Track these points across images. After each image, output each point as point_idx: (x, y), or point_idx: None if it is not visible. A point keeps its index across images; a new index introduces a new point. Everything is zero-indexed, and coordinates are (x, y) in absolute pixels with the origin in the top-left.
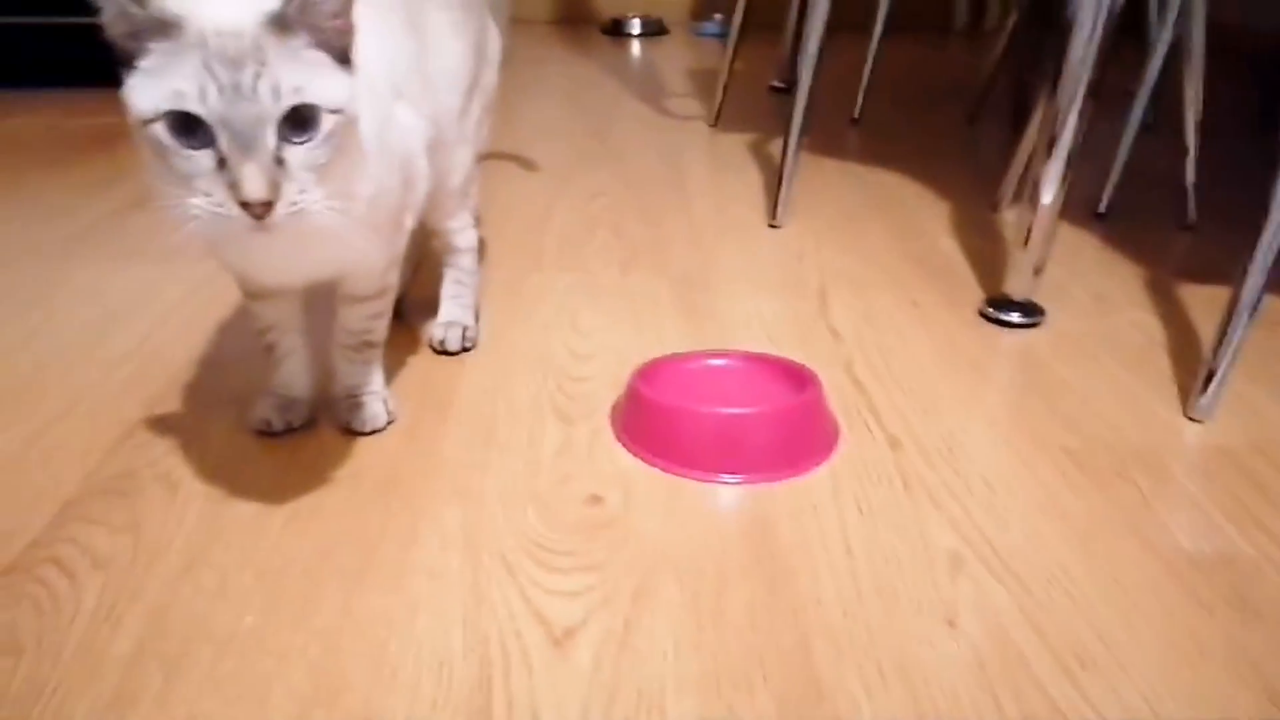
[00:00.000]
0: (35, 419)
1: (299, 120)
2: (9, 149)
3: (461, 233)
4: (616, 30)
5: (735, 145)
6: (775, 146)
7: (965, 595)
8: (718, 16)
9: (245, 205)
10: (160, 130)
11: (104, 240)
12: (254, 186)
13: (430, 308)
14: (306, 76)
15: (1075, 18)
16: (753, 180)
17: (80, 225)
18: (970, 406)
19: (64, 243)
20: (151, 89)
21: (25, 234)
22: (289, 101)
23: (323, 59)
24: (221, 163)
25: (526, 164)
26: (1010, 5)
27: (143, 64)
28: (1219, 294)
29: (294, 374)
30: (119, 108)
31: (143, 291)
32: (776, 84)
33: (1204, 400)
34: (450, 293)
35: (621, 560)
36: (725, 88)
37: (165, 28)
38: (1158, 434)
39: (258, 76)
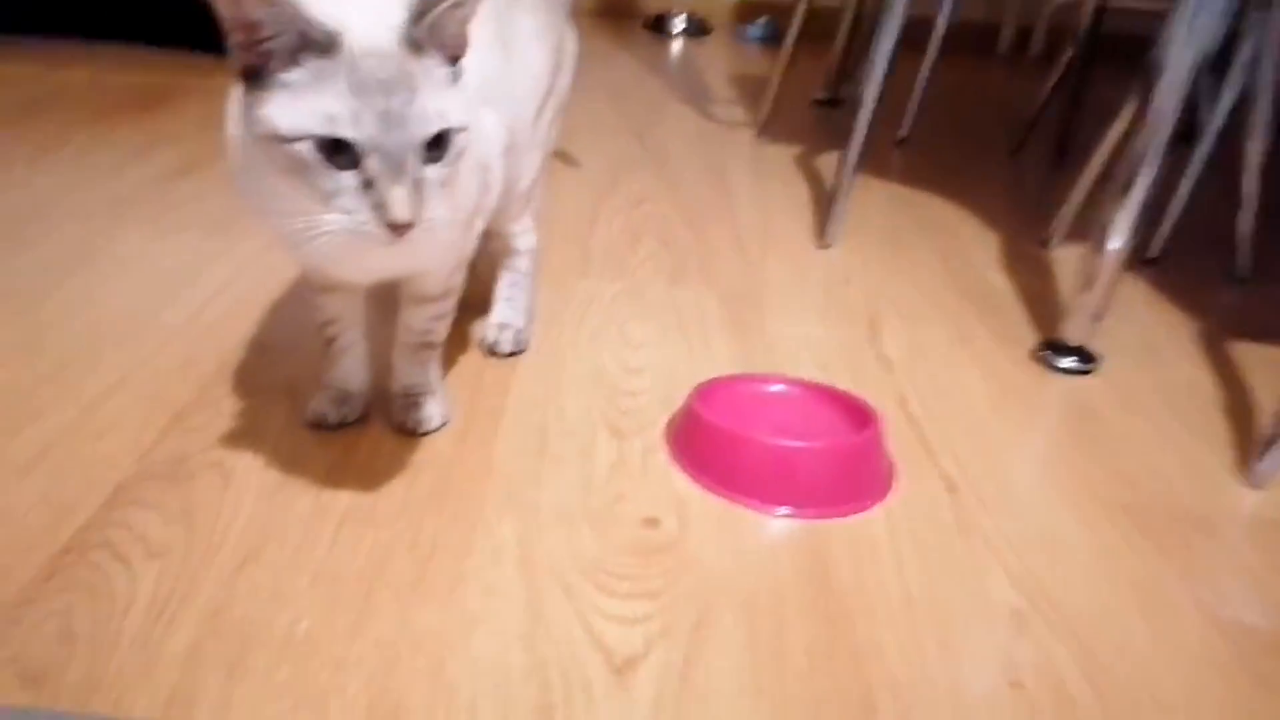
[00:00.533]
0: (88, 393)
1: (436, 141)
2: (57, 103)
3: (522, 235)
4: (659, 27)
5: (781, 157)
6: (821, 161)
7: (1027, 654)
8: (762, 19)
9: (391, 224)
10: (305, 149)
11: (148, 207)
12: (402, 209)
13: (481, 307)
14: (444, 99)
15: (1163, 61)
16: (799, 195)
17: (125, 189)
18: (1026, 454)
19: (109, 206)
20: (297, 108)
21: (71, 196)
22: (436, 127)
23: (447, 76)
24: (367, 183)
25: (568, 159)
26: (1065, 39)
27: (286, 78)
28: (1271, 352)
29: (352, 368)
30: (162, 68)
31: (190, 264)
32: (822, 97)
33: (1262, 466)
34: (505, 294)
35: (680, 589)
36: (775, 98)
37: (330, 45)
38: (1215, 497)
39: (408, 103)
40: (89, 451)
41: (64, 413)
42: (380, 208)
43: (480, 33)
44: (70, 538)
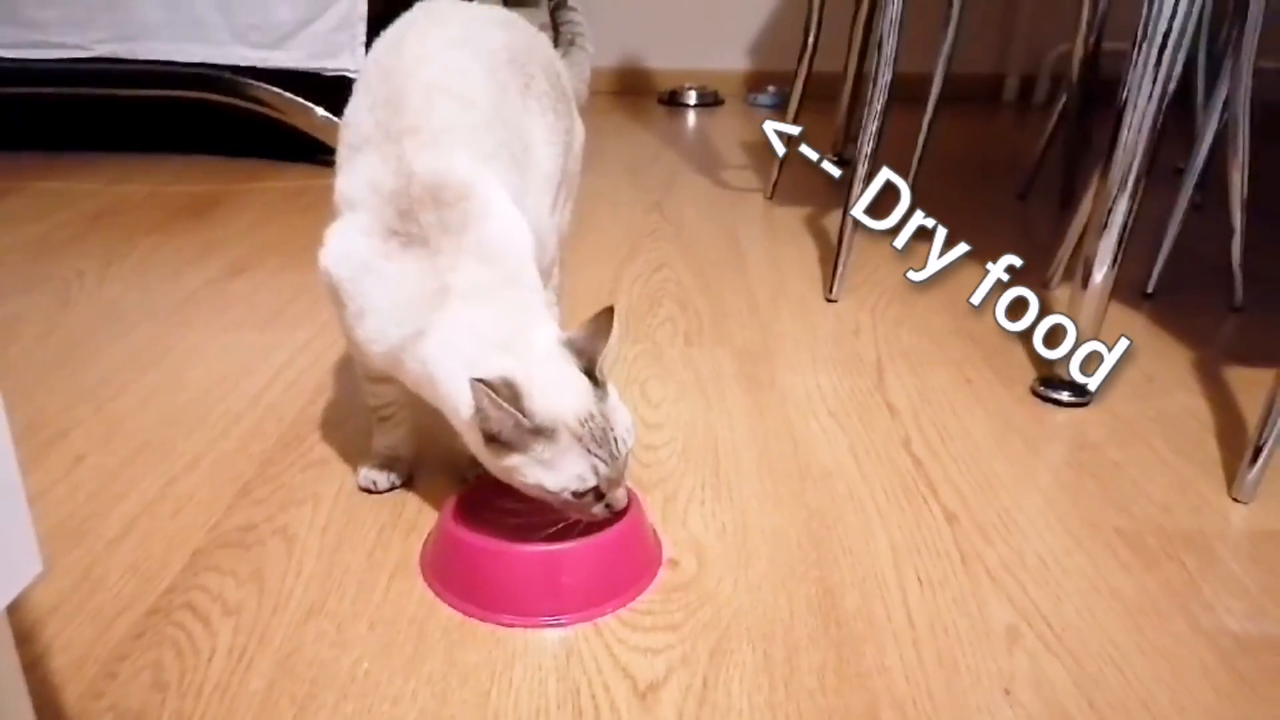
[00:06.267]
0: (165, 474)
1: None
2: (122, 213)
3: (548, 308)
4: (673, 101)
5: (791, 218)
6: (830, 220)
7: (1021, 668)
8: (771, 88)
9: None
10: (566, 494)
11: (208, 306)
12: (623, 500)
13: None
14: (624, 411)
15: (1128, 99)
16: (808, 253)
17: (186, 291)
18: (1024, 484)
19: (174, 308)
20: (551, 475)
21: (142, 299)
22: (634, 437)
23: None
24: (599, 494)
25: None
26: (1061, 84)
27: (532, 454)
28: (1267, 376)
29: (402, 438)
30: (212, 177)
31: (248, 356)
32: (830, 157)
33: (1249, 478)
34: None
35: (699, 621)
36: (782, 162)
37: (547, 433)
38: (1205, 517)
39: (623, 442)
40: (169, 525)
41: (145, 493)
42: (609, 506)
43: (499, 153)
44: (156, 600)
